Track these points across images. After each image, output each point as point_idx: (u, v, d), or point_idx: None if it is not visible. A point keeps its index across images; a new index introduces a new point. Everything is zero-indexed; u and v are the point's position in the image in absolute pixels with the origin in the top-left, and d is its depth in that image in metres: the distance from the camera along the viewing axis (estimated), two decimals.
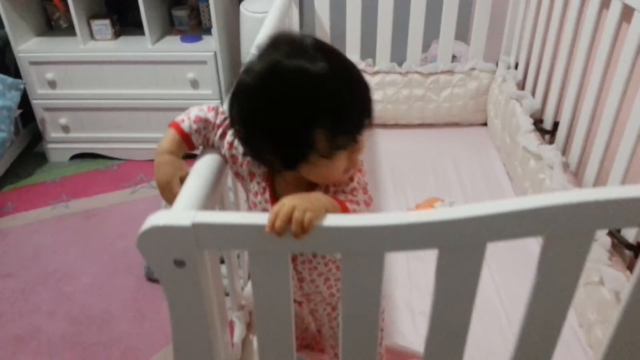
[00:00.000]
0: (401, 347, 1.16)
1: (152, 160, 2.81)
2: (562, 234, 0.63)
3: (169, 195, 0.86)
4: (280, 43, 0.77)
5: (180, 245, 0.65)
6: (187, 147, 0.89)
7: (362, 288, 0.67)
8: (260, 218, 0.64)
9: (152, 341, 1.61)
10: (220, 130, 0.89)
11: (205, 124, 0.90)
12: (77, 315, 1.71)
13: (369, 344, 0.73)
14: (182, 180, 0.85)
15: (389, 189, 1.78)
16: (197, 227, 0.63)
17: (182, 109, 2.60)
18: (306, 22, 2.16)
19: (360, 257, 0.65)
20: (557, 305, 0.69)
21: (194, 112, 0.90)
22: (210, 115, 0.90)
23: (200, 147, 0.92)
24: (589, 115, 1.35)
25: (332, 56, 0.76)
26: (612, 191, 0.61)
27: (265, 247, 0.64)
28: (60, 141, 2.43)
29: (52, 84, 2.27)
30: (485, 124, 2.08)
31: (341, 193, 0.81)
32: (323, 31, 1.99)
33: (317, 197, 0.69)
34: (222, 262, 1.04)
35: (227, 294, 1.06)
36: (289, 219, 0.61)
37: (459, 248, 0.64)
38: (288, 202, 0.63)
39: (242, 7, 2.23)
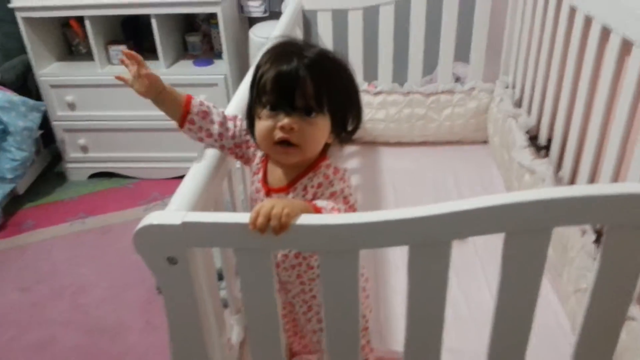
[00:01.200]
0: (394, 353, 1.20)
1: (166, 179, 2.89)
2: (523, 230, 0.68)
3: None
4: None
5: (171, 243, 0.71)
6: (182, 108, 1.06)
7: (340, 285, 0.73)
8: (244, 217, 0.70)
9: (162, 352, 1.67)
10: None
11: (207, 116, 1.05)
12: (90, 327, 1.78)
13: (352, 341, 0.78)
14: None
15: (390, 205, 1.83)
16: (186, 226, 0.70)
17: None
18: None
19: (336, 255, 0.71)
20: (523, 303, 0.74)
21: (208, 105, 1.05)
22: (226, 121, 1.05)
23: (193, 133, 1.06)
24: (578, 131, 1.40)
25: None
26: (567, 190, 0.67)
27: (250, 244, 0.71)
28: (79, 161, 2.53)
29: (71, 106, 2.39)
30: (486, 142, 2.13)
31: (321, 196, 0.88)
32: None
33: (295, 201, 0.77)
34: (221, 278, 1.09)
35: (226, 306, 1.12)
36: (269, 217, 0.68)
37: (427, 245, 0.70)
38: (268, 202, 0.70)
39: (251, 33, 2.33)
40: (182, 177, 2.81)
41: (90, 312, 1.84)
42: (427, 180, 1.93)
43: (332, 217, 0.69)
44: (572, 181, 1.45)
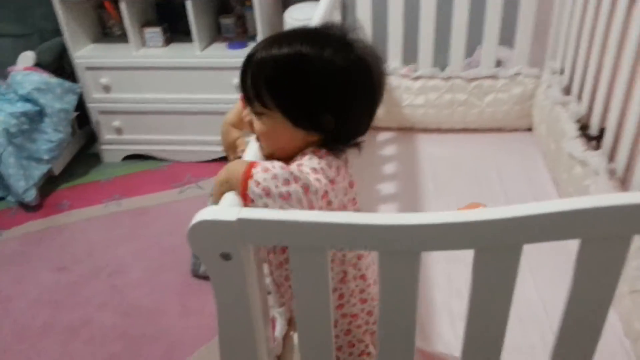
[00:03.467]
0: (440, 355, 1.17)
1: (199, 162, 2.89)
2: (600, 237, 0.64)
3: (232, 158, 1.01)
4: None
5: (226, 239, 0.69)
6: None
7: (398, 287, 0.70)
8: (301, 215, 0.67)
9: (196, 335, 1.68)
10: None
11: None
12: (126, 309, 1.79)
13: (407, 344, 0.75)
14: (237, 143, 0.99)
15: (429, 193, 1.78)
16: (241, 222, 0.67)
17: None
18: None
19: (396, 256, 0.67)
20: (595, 308, 0.70)
21: None
22: None
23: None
24: (636, 121, 1.32)
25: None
26: None
27: (305, 243, 0.68)
28: (114, 142, 2.54)
29: (106, 89, 2.38)
30: (529, 130, 2.06)
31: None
32: (365, 37, 2.02)
33: (231, 167, 0.78)
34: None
35: (269, 292, 1.10)
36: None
37: (495, 249, 0.66)
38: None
39: (286, 15, 2.28)
40: (215, 160, 2.81)
41: (126, 294, 1.85)
42: (468, 169, 1.88)
43: (395, 217, 0.65)
44: (626, 175, 1.39)
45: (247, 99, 0.89)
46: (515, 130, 2.07)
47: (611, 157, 1.47)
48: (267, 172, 0.74)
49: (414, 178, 1.87)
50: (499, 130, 2.07)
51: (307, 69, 0.85)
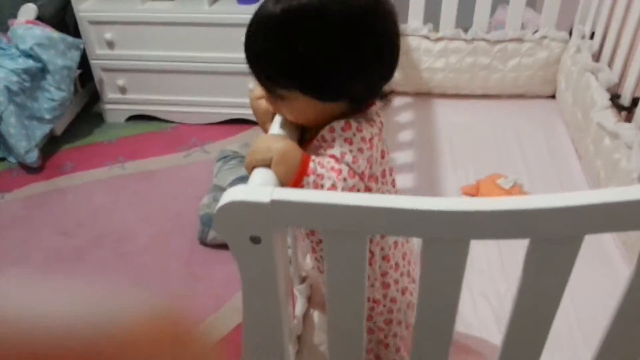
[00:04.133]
0: (464, 339, 1.12)
1: (206, 124, 2.80)
2: None
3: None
4: None
5: (257, 222, 0.62)
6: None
7: (442, 276, 0.64)
8: (338, 197, 0.60)
9: (205, 304, 1.64)
10: None
11: None
12: (133, 276, 1.75)
13: (444, 337, 0.70)
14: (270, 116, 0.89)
15: (447, 163, 1.72)
16: (275, 204, 0.60)
17: (237, 73, 2.58)
18: None
19: (443, 243, 0.61)
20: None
21: None
22: None
23: None
24: None
25: None
26: None
27: (342, 227, 0.62)
28: (118, 102, 2.45)
29: (110, 45, 2.28)
30: (553, 97, 1.97)
31: (320, 148, 0.78)
32: None
33: (274, 144, 0.72)
34: None
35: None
36: None
37: (553, 239, 0.59)
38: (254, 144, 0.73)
39: None
40: (222, 122, 2.72)
41: (133, 260, 1.81)
42: (487, 138, 1.80)
43: (442, 201, 0.59)
44: None
45: (261, 85, 0.82)
46: (538, 97, 1.99)
47: None
48: (322, 179, 0.71)
49: (431, 146, 1.80)
50: (520, 96, 1.99)
51: (314, 28, 0.74)
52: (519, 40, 1.88)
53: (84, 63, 2.31)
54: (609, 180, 1.38)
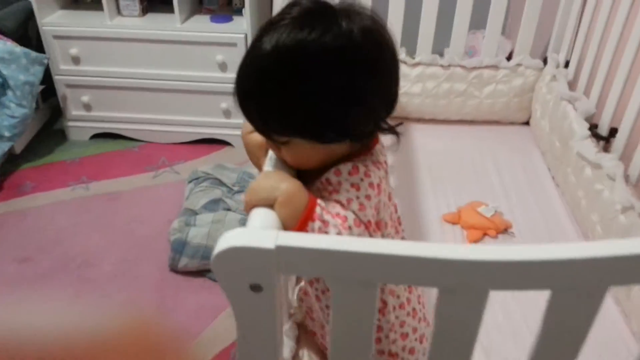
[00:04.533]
0: None
1: (175, 143, 2.71)
2: None
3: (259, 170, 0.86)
4: None
5: (259, 269, 0.57)
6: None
7: (456, 328, 0.60)
8: (351, 244, 0.56)
9: (177, 336, 1.56)
10: None
11: None
12: (99, 305, 1.65)
13: None
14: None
15: (427, 189, 1.69)
16: (280, 250, 0.55)
17: (209, 92, 2.52)
18: None
19: (459, 294, 0.57)
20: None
21: None
22: None
23: None
24: None
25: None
26: None
27: (353, 275, 0.57)
28: (81, 119, 2.35)
29: (75, 60, 2.19)
30: (526, 123, 1.99)
31: (324, 191, 0.73)
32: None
33: (278, 179, 0.69)
34: None
35: None
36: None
37: (576, 290, 0.56)
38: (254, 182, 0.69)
39: None
40: (192, 142, 2.65)
41: (99, 288, 1.71)
42: (465, 164, 1.80)
43: (463, 250, 0.55)
44: None
45: (257, 130, 0.77)
46: (512, 123, 2.00)
47: (621, 160, 1.40)
48: (327, 226, 0.66)
49: (410, 171, 1.78)
50: (495, 122, 2.00)
51: (308, 68, 0.69)
52: (495, 67, 1.90)
53: (46, 78, 2.21)
54: (591, 211, 1.38)
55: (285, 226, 0.64)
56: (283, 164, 0.78)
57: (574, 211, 1.52)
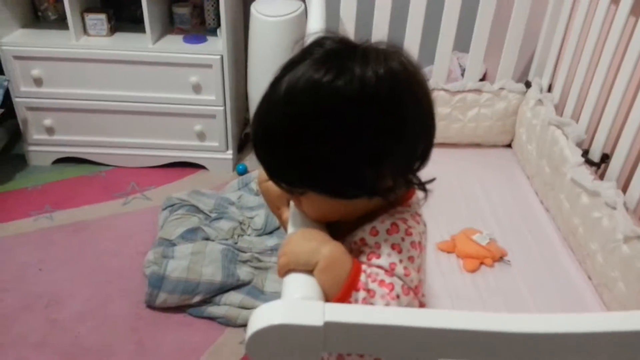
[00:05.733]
0: None
1: (143, 167, 2.58)
2: None
3: (282, 223, 0.79)
4: None
5: (303, 348, 0.50)
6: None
7: None
8: (408, 317, 0.49)
9: None
10: None
11: None
12: (68, 348, 1.52)
13: None
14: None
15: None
16: (329, 327, 0.48)
17: (182, 115, 2.41)
18: (330, 29, 2.01)
19: None
20: None
21: None
22: None
23: None
24: None
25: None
26: None
27: (409, 352, 0.50)
28: (43, 143, 2.21)
29: (37, 82, 2.05)
30: (508, 146, 1.98)
31: (361, 254, 0.66)
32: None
33: (319, 240, 0.61)
34: None
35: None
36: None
37: None
38: (287, 242, 0.63)
39: (253, 9, 2.06)
40: (163, 166, 2.52)
41: (68, 329, 1.58)
42: (452, 188, 1.76)
43: (536, 321, 0.49)
44: (637, 208, 1.31)
45: (275, 183, 0.69)
46: (494, 146, 1.98)
47: (616, 186, 1.39)
48: (373, 296, 0.59)
49: None
50: (477, 145, 1.98)
51: (320, 114, 0.61)
52: (478, 91, 1.88)
53: (4, 100, 2.06)
54: (589, 239, 1.36)
55: (326, 295, 0.57)
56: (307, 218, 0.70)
57: (568, 237, 1.50)
